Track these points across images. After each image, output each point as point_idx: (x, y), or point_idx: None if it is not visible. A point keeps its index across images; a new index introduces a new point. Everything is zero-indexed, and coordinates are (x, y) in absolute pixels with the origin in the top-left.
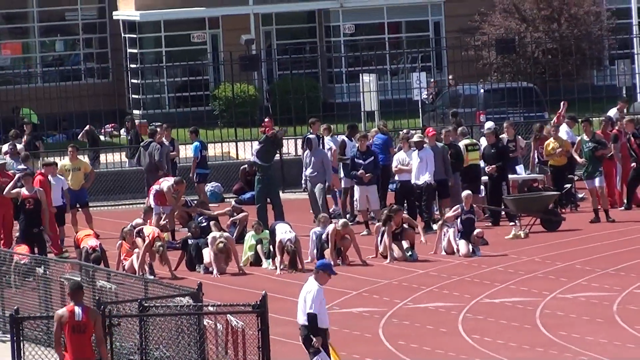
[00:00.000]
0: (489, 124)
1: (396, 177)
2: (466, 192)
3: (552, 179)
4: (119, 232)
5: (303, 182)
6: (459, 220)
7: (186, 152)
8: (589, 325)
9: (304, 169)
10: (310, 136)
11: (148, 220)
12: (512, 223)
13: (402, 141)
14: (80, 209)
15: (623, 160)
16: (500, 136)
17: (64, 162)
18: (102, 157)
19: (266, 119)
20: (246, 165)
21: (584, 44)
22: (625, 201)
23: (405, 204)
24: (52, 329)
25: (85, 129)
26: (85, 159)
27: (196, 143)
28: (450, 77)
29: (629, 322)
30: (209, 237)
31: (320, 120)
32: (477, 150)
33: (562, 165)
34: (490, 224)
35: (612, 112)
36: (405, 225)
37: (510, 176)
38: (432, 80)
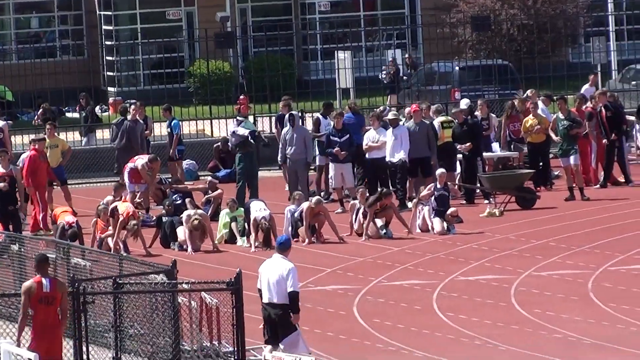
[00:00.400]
0: (465, 102)
1: (366, 155)
2: (440, 170)
3: (530, 156)
4: (93, 209)
5: (280, 159)
6: (432, 197)
7: (161, 130)
8: (564, 303)
9: (282, 147)
10: (294, 112)
11: (121, 197)
12: (487, 201)
13: (372, 119)
14: (58, 187)
15: (598, 138)
16: (475, 114)
17: None
18: (77, 135)
19: (241, 97)
20: (219, 143)
21: (559, 22)
22: (601, 179)
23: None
24: None
25: (40, 110)
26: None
27: (175, 120)
28: (406, 55)
29: (603, 299)
30: (184, 215)
31: (296, 97)
32: (452, 128)
33: (540, 143)
34: (464, 201)
35: (585, 89)
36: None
37: (485, 154)
38: (389, 59)
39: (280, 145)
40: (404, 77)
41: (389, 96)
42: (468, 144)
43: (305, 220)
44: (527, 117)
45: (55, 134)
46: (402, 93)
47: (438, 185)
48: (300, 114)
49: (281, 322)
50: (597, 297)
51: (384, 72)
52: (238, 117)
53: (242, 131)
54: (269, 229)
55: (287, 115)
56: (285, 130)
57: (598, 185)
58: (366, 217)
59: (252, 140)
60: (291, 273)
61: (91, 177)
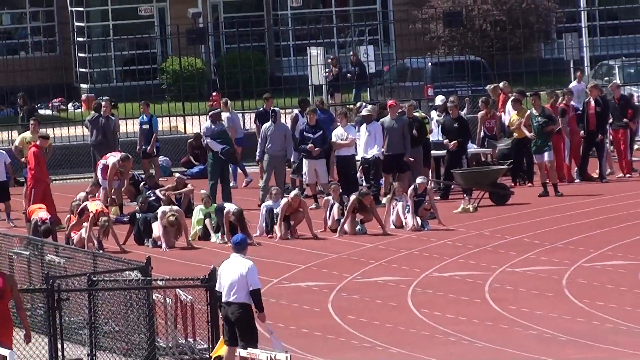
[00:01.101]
0: (440, 97)
1: (335, 152)
2: (420, 179)
3: (515, 151)
4: (67, 206)
5: (258, 154)
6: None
7: (134, 126)
8: (539, 299)
9: (261, 142)
10: (276, 109)
11: (93, 196)
12: (465, 197)
13: (340, 116)
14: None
15: (571, 134)
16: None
17: (24, 135)
18: (50, 131)
19: (214, 93)
20: (192, 139)
21: (531, 18)
22: (577, 174)
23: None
24: None
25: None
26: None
27: (153, 117)
28: (351, 53)
29: (578, 295)
30: (159, 211)
31: (271, 94)
32: (427, 124)
33: (523, 138)
34: (439, 197)
35: (573, 86)
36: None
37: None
38: (330, 57)
39: (260, 141)
40: (348, 75)
41: (328, 95)
42: (454, 142)
43: (280, 214)
44: (501, 110)
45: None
46: (374, 89)
47: (418, 192)
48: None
49: (240, 321)
50: (571, 293)
51: (326, 70)
52: (211, 114)
53: (215, 146)
54: (239, 219)
55: (270, 111)
56: (266, 126)
57: (578, 180)
58: (343, 214)
59: (221, 156)
60: (251, 270)
61: (65, 173)
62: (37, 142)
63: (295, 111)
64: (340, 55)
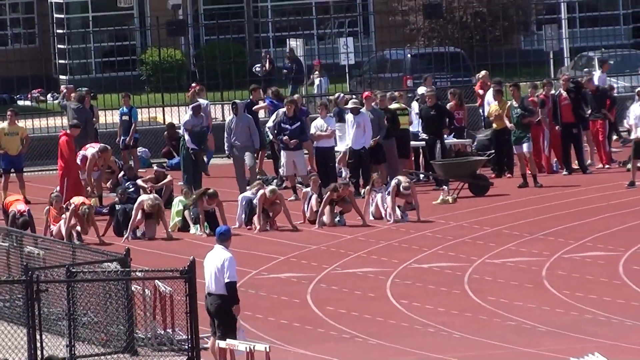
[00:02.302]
0: (421, 89)
1: (314, 144)
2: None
3: (495, 142)
4: (46, 197)
5: (226, 148)
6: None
7: (113, 117)
8: (518, 290)
9: (227, 136)
10: (237, 101)
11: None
12: (441, 188)
13: (321, 107)
14: (14, 174)
15: (550, 125)
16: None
17: (2, 125)
18: (29, 123)
19: (193, 84)
20: (166, 131)
21: (511, 9)
22: (556, 165)
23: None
24: None
25: None
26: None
27: (134, 108)
28: (287, 51)
29: (557, 287)
30: (138, 199)
31: (247, 85)
32: (406, 115)
33: (502, 129)
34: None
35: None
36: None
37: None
38: (264, 51)
39: (226, 135)
40: (285, 70)
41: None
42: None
43: (258, 206)
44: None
45: (16, 121)
46: (353, 81)
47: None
48: (251, 103)
49: (218, 313)
50: (551, 284)
51: (258, 66)
52: (192, 106)
53: (190, 143)
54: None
55: (230, 104)
56: (229, 119)
57: (565, 172)
58: (311, 200)
59: (192, 156)
60: (228, 263)
61: (44, 164)
62: (68, 131)
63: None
64: (320, 46)
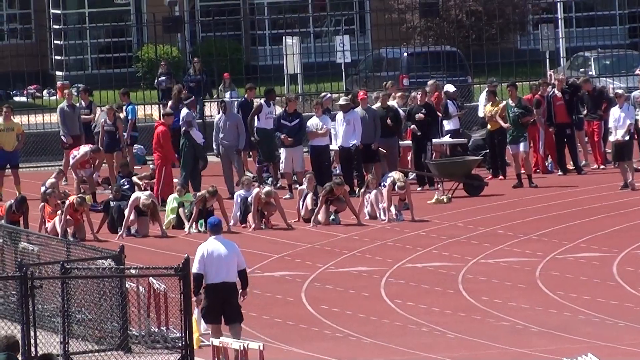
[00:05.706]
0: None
1: (309, 142)
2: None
3: (489, 142)
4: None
5: (215, 147)
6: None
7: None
8: (512, 291)
9: (215, 135)
10: (226, 99)
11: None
12: (432, 187)
13: (316, 106)
14: (9, 170)
15: (545, 126)
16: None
17: None
18: (25, 119)
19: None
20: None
21: (507, 8)
22: (552, 166)
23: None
24: None
25: None
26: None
27: (132, 105)
28: (195, 60)
29: (551, 287)
30: (133, 196)
31: (244, 83)
32: (410, 108)
33: (497, 129)
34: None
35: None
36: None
37: (434, 140)
38: (196, 58)
39: (214, 133)
40: (192, 84)
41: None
42: (421, 114)
43: (253, 205)
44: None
45: (12, 117)
46: (349, 79)
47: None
48: (246, 102)
49: (233, 299)
50: (544, 285)
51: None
52: (187, 102)
53: (198, 137)
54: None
55: (219, 102)
56: (217, 117)
57: (560, 173)
58: (316, 204)
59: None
60: (239, 251)
61: (39, 160)
62: (163, 120)
63: (261, 101)
64: (316, 44)
